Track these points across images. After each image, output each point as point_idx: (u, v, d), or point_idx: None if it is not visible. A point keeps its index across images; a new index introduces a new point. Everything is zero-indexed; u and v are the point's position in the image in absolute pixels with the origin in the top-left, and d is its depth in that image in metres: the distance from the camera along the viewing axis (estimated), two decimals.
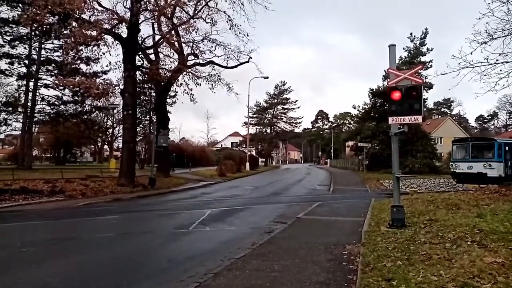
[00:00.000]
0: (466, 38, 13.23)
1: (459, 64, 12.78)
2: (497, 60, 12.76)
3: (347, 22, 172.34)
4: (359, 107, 49.88)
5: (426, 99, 48.30)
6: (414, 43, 45.46)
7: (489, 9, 12.05)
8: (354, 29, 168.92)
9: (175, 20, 21.17)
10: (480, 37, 12.66)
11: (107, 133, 57.51)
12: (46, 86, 31.71)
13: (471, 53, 12.68)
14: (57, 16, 17.27)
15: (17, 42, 29.65)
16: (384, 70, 42.04)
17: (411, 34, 46.00)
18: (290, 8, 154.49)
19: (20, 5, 26.12)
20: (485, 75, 12.99)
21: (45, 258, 6.68)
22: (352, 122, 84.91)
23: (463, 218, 8.95)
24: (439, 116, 75.10)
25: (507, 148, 21.50)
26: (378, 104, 44.50)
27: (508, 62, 12.80)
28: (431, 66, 43.97)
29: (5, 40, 29.22)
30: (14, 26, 28.51)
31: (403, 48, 45.62)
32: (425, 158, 39.70)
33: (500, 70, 12.85)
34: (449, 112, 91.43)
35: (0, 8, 25.96)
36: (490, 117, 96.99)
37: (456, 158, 23.72)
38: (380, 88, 43.27)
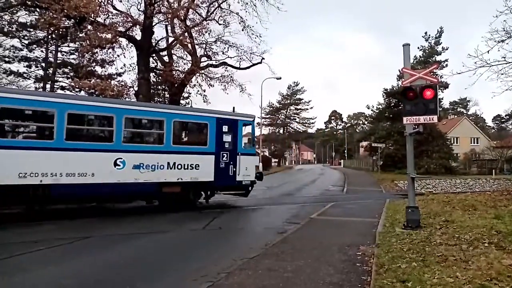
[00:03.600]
0: (483, 36, 13.09)
1: (475, 63, 12.65)
2: None
3: (361, 21, 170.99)
4: (373, 107, 49.68)
5: (442, 98, 47.86)
6: (429, 42, 45.03)
7: (507, 7, 11.86)
8: (368, 28, 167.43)
9: (188, 22, 21.29)
10: (497, 35, 12.49)
11: None
12: (63, 88, 32.36)
13: (488, 51, 12.54)
14: (72, 20, 17.55)
15: (35, 45, 30.35)
16: (399, 70, 41.61)
17: (425, 33, 45.57)
18: (303, 7, 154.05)
19: (38, 9, 26.72)
20: (502, 74, 12.82)
21: (63, 256, 6.79)
22: (366, 122, 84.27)
23: (480, 219, 8.79)
24: (455, 116, 73.93)
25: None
26: (393, 104, 44.13)
27: None
28: (446, 65, 43.52)
29: (23, 44, 29.95)
30: (31, 30, 29.21)
31: (418, 48, 45.25)
32: (440, 159, 39.16)
33: None
34: (465, 112, 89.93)
35: (18, 13, 26.55)
36: (508, 117, 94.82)
37: None
38: (394, 88, 42.93)
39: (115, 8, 19.33)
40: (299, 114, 76.54)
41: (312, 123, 80.00)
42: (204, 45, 22.73)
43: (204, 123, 12.62)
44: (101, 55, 22.44)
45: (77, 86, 27.15)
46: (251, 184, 13.70)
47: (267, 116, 73.89)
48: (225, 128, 12.69)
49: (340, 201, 16.29)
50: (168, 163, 11.73)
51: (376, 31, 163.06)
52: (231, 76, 23.68)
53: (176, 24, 21.85)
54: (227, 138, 12.83)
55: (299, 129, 78.72)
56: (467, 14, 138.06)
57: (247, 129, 14.06)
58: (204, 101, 24.04)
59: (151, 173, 11.39)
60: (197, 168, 12.20)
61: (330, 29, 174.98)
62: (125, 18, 19.38)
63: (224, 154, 12.71)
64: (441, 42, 44.72)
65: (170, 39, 22.56)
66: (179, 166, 11.94)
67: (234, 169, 12.95)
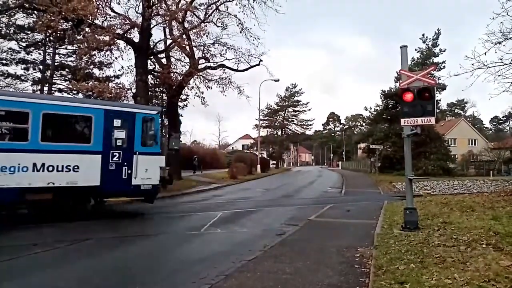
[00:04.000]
0: (480, 38, 13.17)
1: (472, 64, 12.70)
2: None
3: (358, 23, 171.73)
4: (371, 108, 49.79)
5: (439, 100, 47.99)
6: (426, 44, 45.20)
7: (504, 9, 11.94)
8: (366, 30, 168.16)
9: (186, 25, 21.32)
10: (494, 37, 12.56)
11: None
12: (60, 90, 32.30)
13: (485, 53, 12.62)
14: (70, 22, 17.56)
15: (32, 48, 30.32)
16: (396, 72, 41.69)
17: (423, 35, 45.77)
18: (301, 10, 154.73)
19: (35, 12, 26.76)
20: (499, 75, 12.87)
21: (60, 259, 6.78)
22: (364, 124, 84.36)
23: (478, 220, 8.82)
24: (453, 118, 74.17)
25: None
26: (390, 105, 44.27)
27: None
28: (444, 67, 43.68)
29: (21, 46, 29.93)
30: (29, 32, 29.19)
31: (415, 49, 45.40)
32: (438, 160, 39.27)
33: None
34: (463, 114, 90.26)
35: (16, 16, 26.56)
36: (505, 118, 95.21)
37: None
38: (392, 90, 43.07)
39: (113, 11, 19.34)
40: (297, 116, 76.53)
41: (310, 125, 80.00)
42: (202, 47, 22.77)
43: (87, 116, 10.46)
44: (99, 57, 22.48)
45: (74, 89, 27.12)
46: (154, 189, 11.42)
47: (265, 118, 73.98)
48: (117, 123, 10.77)
49: (338, 203, 16.29)
50: (34, 165, 9.51)
51: (374, 33, 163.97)
52: (229, 78, 23.74)
53: (174, 26, 21.88)
54: (120, 134, 10.77)
55: (297, 131, 78.73)
56: (465, 16, 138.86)
57: (150, 124, 11.63)
58: (202, 103, 24.10)
59: (8, 177, 9.15)
60: (76, 170, 10.05)
61: (328, 31, 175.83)
62: (123, 21, 19.38)
63: (115, 154, 10.67)
64: (439, 44, 44.95)
65: (168, 41, 22.60)
66: (50, 168, 9.70)
67: (129, 171, 10.82)
